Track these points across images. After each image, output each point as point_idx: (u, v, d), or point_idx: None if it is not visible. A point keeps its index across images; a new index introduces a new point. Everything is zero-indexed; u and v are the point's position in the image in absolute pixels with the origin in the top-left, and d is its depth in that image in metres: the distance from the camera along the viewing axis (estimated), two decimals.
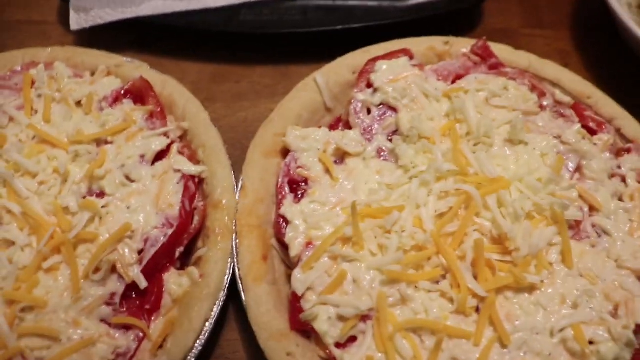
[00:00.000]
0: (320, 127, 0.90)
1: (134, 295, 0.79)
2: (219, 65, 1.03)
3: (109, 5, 1.00)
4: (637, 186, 0.87)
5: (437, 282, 0.77)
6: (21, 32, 1.12)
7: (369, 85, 0.90)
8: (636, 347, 0.76)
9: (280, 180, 0.84)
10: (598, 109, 0.94)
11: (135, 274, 0.77)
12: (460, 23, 1.08)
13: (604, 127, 0.91)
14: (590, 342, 0.75)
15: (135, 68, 0.94)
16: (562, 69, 0.97)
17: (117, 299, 0.77)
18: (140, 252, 0.79)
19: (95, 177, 0.83)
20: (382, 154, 0.85)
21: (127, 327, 0.77)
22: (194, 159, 0.87)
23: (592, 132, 0.92)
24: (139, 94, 0.91)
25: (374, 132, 0.87)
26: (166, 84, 0.93)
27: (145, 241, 0.79)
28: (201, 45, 1.03)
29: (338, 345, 0.74)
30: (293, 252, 0.78)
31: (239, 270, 0.79)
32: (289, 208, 0.81)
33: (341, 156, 0.86)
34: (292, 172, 0.84)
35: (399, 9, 1.01)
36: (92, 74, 0.95)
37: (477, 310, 0.76)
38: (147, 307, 0.78)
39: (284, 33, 1.00)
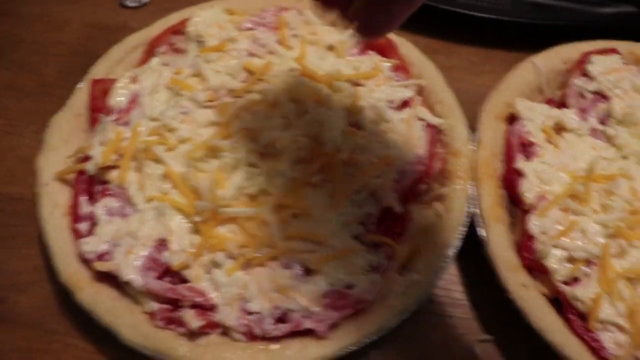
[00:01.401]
0: None
1: (385, 220, 0.89)
2: (432, 39, 1.16)
3: None
4: None
5: None
6: None
7: (583, 74, 1.03)
8: None
9: (512, 140, 0.96)
10: None
11: (392, 199, 0.88)
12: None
13: None
14: None
15: None
16: None
17: (371, 220, 0.88)
18: (395, 182, 0.90)
19: (353, 111, 0.93)
20: (595, 133, 0.99)
21: (377, 246, 0.87)
22: (432, 113, 0.99)
23: None
24: (381, 49, 1.03)
25: (588, 114, 1.00)
26: (403, 45, 1.04)
27: (401, 173, 0.90)
28: (415, 19, 1.15)
29: (564, 283, 0.86)
30: (528, 200, 0.90)
31: (480, 210, 0.90)
32: (523, 164, 0.93)
33: (558, 131, 0.99)
34: (521, 135, 0.96)
35: (598, 14, 1.15)
36: None
37: None
38: (397, 230, 0.89)
39: (492, 18, 1.14)
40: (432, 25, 1.17)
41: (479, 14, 1.13)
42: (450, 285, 0.95)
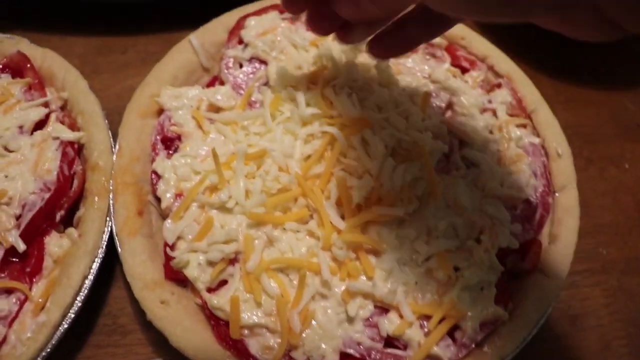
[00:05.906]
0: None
1: (15, 261, 0.80)
2: (105, 37, 1.04)
3: None
4: (506, 118, 0.89)
5: (307, 223, 0.80)
6: None
7: (241, 41, 0.92)
8: (501, 270, 0.79)
9: (153, 138, 0.86)
10: (471, 48, 0.96)
11: (14, 238, 0.79)
12: None
13: (476, 65, 0.93)
14: (457, 269, 0.77)
15: (15, 43, 0.95)
16: None
17: None
18: (18, 217, 0.81)
19: None
20: (255, 105, 0.87)
21: (8, 291, 0.78)
22: (74, 127, 0.89)
23: (465, 71, 0.94)
24: (17, 68, 0.92)
25: (244, 85, 0.89)
26: (45, 57, 0.94)
27: (23, 207, 0.80)
28: (86, 18, 1.04)
29: (210, 290, 0.76)
30: (164, 204, 0.80)
31: (115, 226, 0.81)
32: (161, 163, 0.83)
33: (216, 111, 0.88)
34: (165, 130, 0.86)
35: None
36: None
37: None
38: (28, 269, 0.80)
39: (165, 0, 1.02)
40: (103, 22, 1.05)
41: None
42: (122, 304, 0.85)
